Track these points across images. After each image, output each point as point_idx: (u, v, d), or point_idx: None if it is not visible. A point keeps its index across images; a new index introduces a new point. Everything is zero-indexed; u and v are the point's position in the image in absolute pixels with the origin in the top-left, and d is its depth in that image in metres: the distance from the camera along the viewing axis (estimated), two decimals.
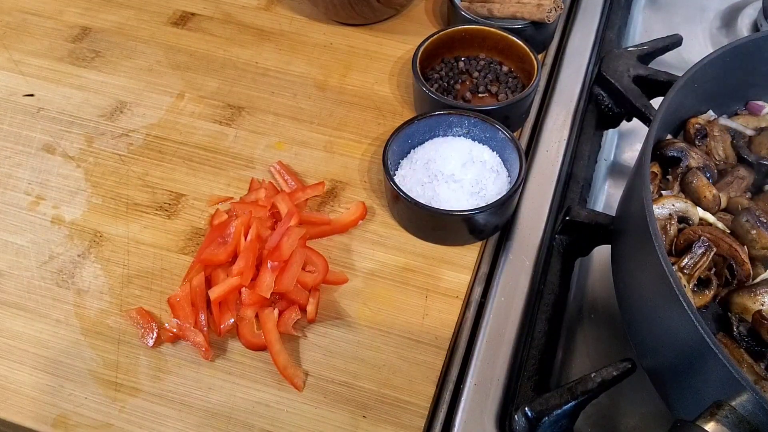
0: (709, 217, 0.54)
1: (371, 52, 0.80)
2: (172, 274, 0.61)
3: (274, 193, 0.65)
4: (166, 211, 0.65)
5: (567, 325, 0.61)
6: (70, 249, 0.62)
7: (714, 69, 0.56)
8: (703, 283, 0.51)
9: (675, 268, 0.50)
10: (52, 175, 0.68)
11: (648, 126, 0.66)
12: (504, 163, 0.64)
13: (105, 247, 0.62)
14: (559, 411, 0.49)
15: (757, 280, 0.51)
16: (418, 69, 0.69)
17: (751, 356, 0.47)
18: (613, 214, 0.59)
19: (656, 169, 0.58)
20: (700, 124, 0.60)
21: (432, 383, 0.55)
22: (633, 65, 0.73)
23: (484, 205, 0.59)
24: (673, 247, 0.53)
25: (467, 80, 0.74)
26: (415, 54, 0.70)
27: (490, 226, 0.63)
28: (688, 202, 0.54)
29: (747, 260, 0.51)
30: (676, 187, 0.57)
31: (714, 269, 0.52)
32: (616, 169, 0.76)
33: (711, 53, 0.56)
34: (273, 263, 0.57)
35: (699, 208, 0.55)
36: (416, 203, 0.59)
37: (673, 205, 0.54)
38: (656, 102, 0.70)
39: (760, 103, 0.62)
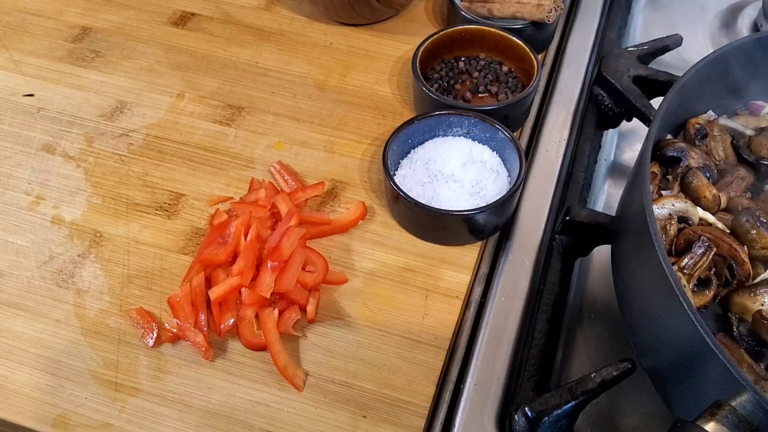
0: (709, 217, 0.54)
1: (371, 52, 0.80)
2: (172, 274, 0.61)
3: (274, 193, 0.65)
4: (166, 211, 0.65)
5: (567, 325, 0.61)
6: (70, 249, 0.62)
7: (714, 69, 0.56)
8: (703, 283, 0.51)
9: (675, 268, 0.50)
10: (52, 175, 0.68)
11: (648, 126, 0.66)
12: (504, 163, 0.64)
13: (105, 247, 0.62)
14: (559, 411, 0.49)
15: (757, 280, 0.51)
16: (418, 69, 0.69)
17: (751, 356, 0.47)
18: (613, 214, 0.59)
19: (656, 169, 0.58)
20: (700, 124, 0.60)
21: (432, 383, 0.55)
22: (633, 65, 0.73)
23: (484, 205, 0.59)
24: (673, 247, 0.53)
25: (467, 80, 0.74)
26: (415, 54, 0.70)
27: (490, 226, 0.63)
28: (688, 202, 0.54)
29: (747, 260, 0.51)
30: (676, 187, 0.57)
31: (714, 269, 0.52)
32: (616, 169, 0.76)
33: (711, 53, 0.56)
34: (273, 263, 0.57)
35: (699, 208, 0.55)
36: (416, 203, 0.59)
37: (673, 205, 0.54)
38: (656, 102, 0.70)
39: (760, 103, 0.62)
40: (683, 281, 0.50)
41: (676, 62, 0.80)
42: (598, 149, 0.74)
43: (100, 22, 0.82)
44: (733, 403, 0.39)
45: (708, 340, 0.39)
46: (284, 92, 0.75)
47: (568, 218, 0.61)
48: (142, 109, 0.73)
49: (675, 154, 0.58)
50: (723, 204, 0.56)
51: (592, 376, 0.49)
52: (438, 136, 0.66)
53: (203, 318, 0.57)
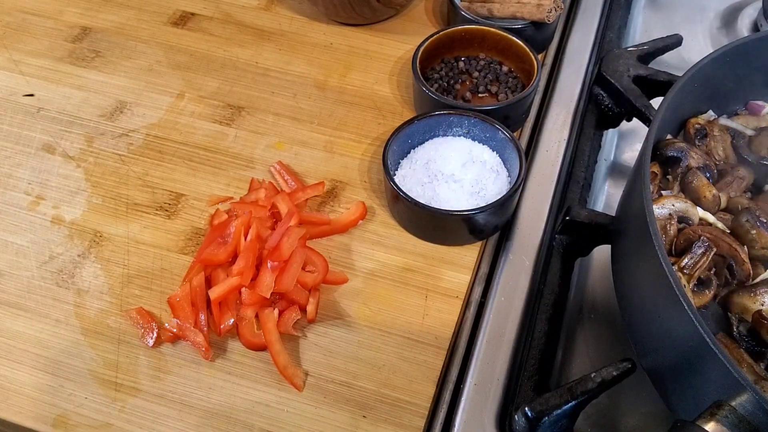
0: (709, 217, 0.54)
1: (371, 52, 0.80)
2: (172, 274, 0.61)
3: (274, 193, 0.65)
4: (166, 211, 0.65)
5: (567, 325, 0.61)
6: (70, 249, 0.62)
7: (714, 69, 0.56)
8: (703, 283, 0.51)
9: (675, 268, 0.50)
10: (52, 175, 0.68)
11: (648, 126, 0.66)
12: (504, 163, 0.64)
13: (105, 247, 0.62)
14: (559, 411, 0.49)
15: (757, 280, 0.51)
16: (418, 69, 0.69)
17: (751, 356, 0.47)
18: (613, 214, 0.59)
19: (656, 169, 0.58)
20: (700, 124, 0.60)
21: (432, 383, 0.55)
22: (633, 65, 0.73)
23: (484, 205, 0.59)
24: (673, 247, 0.53)
25: (467, 80, 0.74)
26: (415, 54, 0.70)
27: (490, 226, 0.63)
28: (688, 202, 0.54)
29: (747, 260, 0.51)
30: (676, 187, 0.57)
31: (714, 269, 0.52)
32: (616, 169, 0.76)
33: (711, 53, 0.56)
34: (273, 263, 0.57)
35: (699, 208, 0.55)
36: (416, 203, 0.59)
37: (673, 205, 0.54)
38: (656, 102, 0.70)
39: (760, 103, 0.62)
40: (683, 281, 0.50)
41: (676, 62, 0.80)
42: (598, 149, 0.74)
43: (100, 22, 0.82)
44: (733, 403, 0.39)
45: (708, 340, 0.39)
46: (284, 92, 0.75)
47: (568, 218, 0.61)
48: (142, 109, 0.73)
49: (675, 154, 0.58)
50: (723, 204, 0.56)
51: (592, 376, 0.49)
52: (438, 136, 0.66)
53: (203, 318, 0.57)
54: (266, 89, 0.76)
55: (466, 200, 0.61)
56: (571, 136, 0.71)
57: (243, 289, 0.57)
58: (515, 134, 0.67)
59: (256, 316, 0.57)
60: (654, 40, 0.76)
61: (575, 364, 0.60)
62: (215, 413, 0.53)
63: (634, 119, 0.72)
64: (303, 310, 0.58)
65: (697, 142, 0.59)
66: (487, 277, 0.62)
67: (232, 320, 0.56)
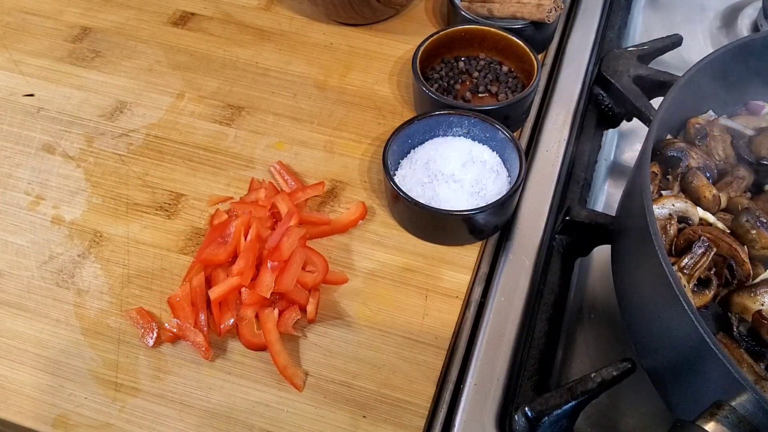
0: (709, 217, 0.54)
1: (371, 52, 0.80)
2: (172, 274, 0.61)
3: (274, 193, 0.65)
4: (166, 211, 0.65)
5: (567, 325, 0.61)
6: (70, 249, 0.62)
7: (714, 69, 0.56)
8: (703, 283, 0.51)
9: (675, 268, 0.50)
10: (52, 175, 0.68)
11: (648, 126, 0.66)
12: (504, 163, 0.64)
13: (105, 247, 0.62)
14: (559, 411, 0.49)
15: (757, 280, 0.51)
16: (418, 69, 0.69)
17: (751, 356, 0.47)
18: (613, 214, 0.59)
19: (656, 169, 0.58)
20: (700, 124, 0.60)
21: (432, 383, 0.55)
22: (633, 65, 0.73)
23: (484, 205, 0.59)
24: (673, 247, 0.53)
25: (467, 80, 0.74)
26: (415, 54, 0.70)
27: (490, 226, 0.63)
28: (688, 202, 0.54)
29: (747, 260, 0.51)
30: (676, 187, 0.57)
31: (714, 269, 0.52)
32: (616, 169, 0.76)
33: (711, 53, 0.56)
34: (273, 263, 0.57)
35: (699, 208, 0.55)
36: (416, 203, 0.59)
37: (673, 205, 0.54)
38: (656, 102, 0.70)
39: (760, 103, 0.62)
40: (683, 281, 0.50)
41: (676, 62, 0.80)
42: (598, 149, 0.74)
43: (100, 22, 0.82)
44: (733, 403, 0.39)
45: (708, 340, 0.39)
46: (284, 92, 0.75)
47: (568, 218, 0.61)
48: (142, 109, 0.73)
49: (675, 154, 0.58)
50: (723, 204, 0.56)
51: (592, 376, 0.49)
52: (438, 136, 0.66)
53: (203, 318, 0.57)
54: (266, 89, 0.76)
55: (466, 200, 0.61)
56: (571, 136, 0.71)
57: (243, 289, 0.57)
58: (515, 134, 0.67)
59: (256, 316, 0.57)
60: (654, 40, 0.76)
61: (575, 364, 0.60)
62: (215, 413, 0.53)
63: (634, 119, 0.72)
64: (303, 310, 0.58)
65: (697, 142, 0.59)
66: (487, 277, 0.62)
67: (232, 320, 0.56)
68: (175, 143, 0.70)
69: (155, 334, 0.56)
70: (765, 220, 0.52)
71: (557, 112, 0.72)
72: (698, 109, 0.62)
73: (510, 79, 0.73)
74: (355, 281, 0.60)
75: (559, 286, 0.60)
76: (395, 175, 0.63)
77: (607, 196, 0.74)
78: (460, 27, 0.73)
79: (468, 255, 0.62)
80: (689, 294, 0.49)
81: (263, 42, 0.80)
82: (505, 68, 0.74)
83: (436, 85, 0.72)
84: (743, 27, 0.87)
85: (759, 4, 0.86)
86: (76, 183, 0.67)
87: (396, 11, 0.82)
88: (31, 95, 0.75)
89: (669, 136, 0.61)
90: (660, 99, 0.54)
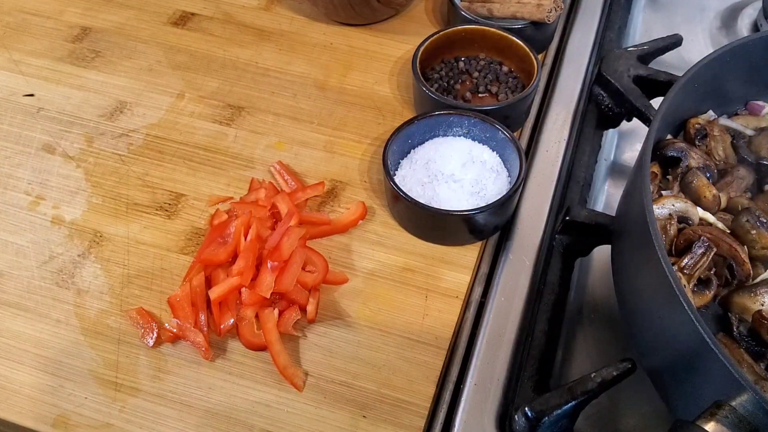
0: (709, 217, 0.54)
1: (371, 52, 0.80)
2: (172, 274, 0.61)
3: (274, 193, 0.65)
4: (166, 211, 0.65)
5: (567, 325, 0.61)
6: (70, 249, 0.62)
7: (714, 69, 0.56)
8: (703, 283, 0.51)
9: (675, 268, 0.50)
10: (52, 175, 0.68)
11: (648, 126, 0.66)
12: (504, 163, 0.64)
13: (105, 247, 0.62)
14: (559, 411, 0.49)
15: (757, 280, 0.51)
16: (418, 69, 0.69)
17: (751, 356, 0.47)
18: (613, 214, 0.59)
19: (656, 169, 0.58)
20: (700, 124, 0.60)
21: (432, 383, 0.55)
22: (633, 65, 0.73)
23: (484, 205, 0.59)
24: (673, 247, 0.53)
25: (467, 80, 0.74)
26: (415, 54, 0.70)
27: (490, 226, 0.63)
28: (688, 202, 0.54)
29: (747, 260, 0.51)
30: (676, 187, 0.57)
31: (714, 269, 0.52)
32: (616, 169, 0.76)
33: (711, 53, 0.56)
34: (273, 263, 0.57)
35: (699, 208, 0.55)
36: (416, 203, 0.59)
37: (673, 205, 0.54)
38: (656, 102, 0.70)
39: (760, 103, 0.62)
40: (683, 281, 0.50)
41: (676, 62, 0.80)
42: (598, 149, 0.74)
43: (100, 22, 0.82)
44: (733, 403, 0.39)
45: (708, 340, 0.39)
46: (284, 92, 0.75)
47: (568, 218, 0.61)
48: (142, 109, 0.73)
49: (675, 154, 0.58)
50: (723, 204, 0.56)
51: (592, 376, 0.49)
52: (438, 136, 0.66)
53: (203, 318, 0.57)
54: (266, 89, 0.76)
55: (466, 200, 0.61)
56: (571, 136, 0.71)
57: (243, 289, 0.57)
58: (515, 134, 0.67)
59: (256, 316, 0.57)
60: (654, 40, 0.76)
61: (575, 364, 0.60)
62: (215, 413, 0.53)
63: (634, 119, 0.72)
64: (303, 310, 0.58)
65: (697, 142, 0.59)
66: (487, 277, 0.62)
67: (232, 320, 0.56)
68: (175, 143, 0.70)
69: (155, 334, 0.56)
70: (765, 220, 0.52)
71: (557, 112, 0.72)
72: (698, 109, 0.62)
73: (510, 79, 0.73)
74: (355, 281, 0.60)
75: (559, 286, 0.60)
76: (395, 175, 0.63)
77: (607, 196, 0.74)
78: (460, 27, 0.73)
79: (468, 255, 0.62)
80: (689, 294, 0.49)
81: (263, 42, 0.80)
82: (505, 68, 0.74)
83: (436, 85, 0.72)
84: (743, 27, 0.87)
85: (759, 4, 0.86)
86: (76, 183, 0.67)
87: (396, 11, 0.82)
88: (31, 95, 0.75)
89: (669, 136, 0.61)
90: (660, 99, 0.54)
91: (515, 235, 0.63)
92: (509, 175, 0.64)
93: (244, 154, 0.70)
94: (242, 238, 0.59)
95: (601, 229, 0.60)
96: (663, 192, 0.56)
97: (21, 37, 0.81)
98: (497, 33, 0.73)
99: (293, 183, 0.66)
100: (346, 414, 0.53)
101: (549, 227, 0.64)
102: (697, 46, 0.85)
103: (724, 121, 0.61)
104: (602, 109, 0.74)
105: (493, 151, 0.65)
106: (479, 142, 0.65)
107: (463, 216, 0.59)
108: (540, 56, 0.77)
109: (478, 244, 0.63)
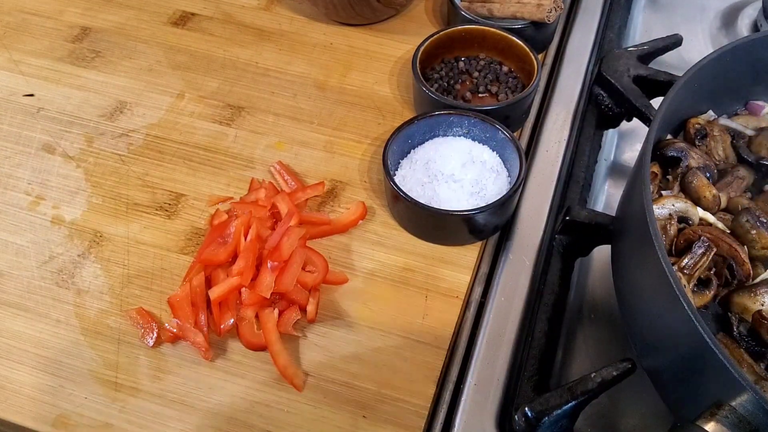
0: (709, 217, 0.54)
1: (371, 52, 0.80)
2: (172, 274, 0.61)
3: (274, 193, 0.65)
4: (166, 211, 0.65)
5: (567, 325, 0.61)
6: (70, 249, 0.62)
7: (714, 69, 0.56)
8: (703, 283, 0.51)
9: (675, 268, 0.50)
10: (52, 175, 0.68)
11: (648, 126, 0.66)
12: (504, 163, 0.64)
13: (105, 247, 0.62)
14: (559, 411, 0.49)
15: (757, 280, 0.51)
16: (418, 69, 0.69)
17: (751, 356, 0.47)
18: (613, 214, 0.59)
19: (656, 169, 0.58)
20: (700, 124, 0.60)
21: (432, 383, 0.55)
22: (633, 65, 0.73)
23: (484, 205, 0.59)
24: (673, 247, 0.53)
25: (467, 80, 0.74)
26: (415, 54, 0.70)
27: (490, 226, 0.63)
28: (688, 202, 0.54)
29: (747, 260, 0.51)
30: (676, 187, 0.57)
31: (714, 269, 0.52)
32: (616, 169, 0.76)
33: (711, 53, 0.56)
34: (273, 263, 0.57)
35: (699, 208, 0.55)
36: (416, 203, 0.59)
37: (673, 205, 0.54)
38: (656, 102, 0.70)
39: (760, 103, 0.62)
40: (683, 281, 0.50)
41: (676, 62, 0.80)
42: (598, 149, 0.74)
43: (100, 22, 0.82)
44: (733, 403, 0.39)
45: (708, 340, 0.39)
46: (284, 92, 0.75)
47: (568, 218, 0.61)
48: (142, 109, 0.73)
49: (675, 154, 0.58)
50: (723, 204, 0.56)
51: (592, 376, 0.49)
52: (438, 136, 0.66)
53: (203, 318, 0.57)
54: (266, 89, 0.76)
55: (466, 200, 0.61)
56: (571, 136, 0.71)
57: (243, 289, 0.57)
58: (515, 134, 0.67)
59: (256, 316, 0.57)
60: (654, 40, 0.76)
61: (575, 364, 0.60)
62: (215, 413, 0.53)
63: (634, 119, 0.72)
64: (303, 310, 0.58)
65: (697, 142, 0.59)
66: (487, 277, 0.62)
67: (232, 320, 0.56)
68: (175, 143, 0.70)
69: (155, 334, 0.56)
70: (765, 220, 0.52)
71: (557, 112, 0.72)
72: (698, 109, 0.62)
73: (510, 79, 0.73)
74: (355, 281, 0.60)
75: (559, 286, 0.60)
76: (395, 175, 0.63)
77: (607, 196, 0.74)
78: (460, 27, 0.73)
79: (468, 255, 0.62)
80: (689, 294, 0.49)
81: (263, 42, 0.80)
82: (505, 68, 0.74)
83: (436, 85, 0.72)
84: (743, 27, 0.87)
85: (759, 4, 0.86)
86: (76, 183, 0.67)
87: (396, 11, 0.82)
88: (31, 95, 0.75)
89: (669, 136, 0.61)
90: (660, 99, 0.54)
91: (515, 235, 0.63)
92: (509, 175, 0.64)
93: (244, 154, 0.70)
94: (242, 238, 0.59)
95: (601, 229, 0.60)
96: (663, 192, 0.56)
97: (21, 37, 0.81)
98: (497, 33, 0.73)
99: (293, 183, 0.66)
100: (346, 414, 0.53)
101: (549, 227, 0.64)
102: (697, 46, 0.85)
103: (724, 121, 0.61)
104: (602, 109, 0.74)
105: (493, 151, 0.65)
106: (479, 142, 0.65)
107: (463, 216, 0.59)
108: (540, 56, 0.77)
109: (478, 244, 0.63)
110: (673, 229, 0.53)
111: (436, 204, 0.60)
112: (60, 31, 0.81)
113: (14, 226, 0.64)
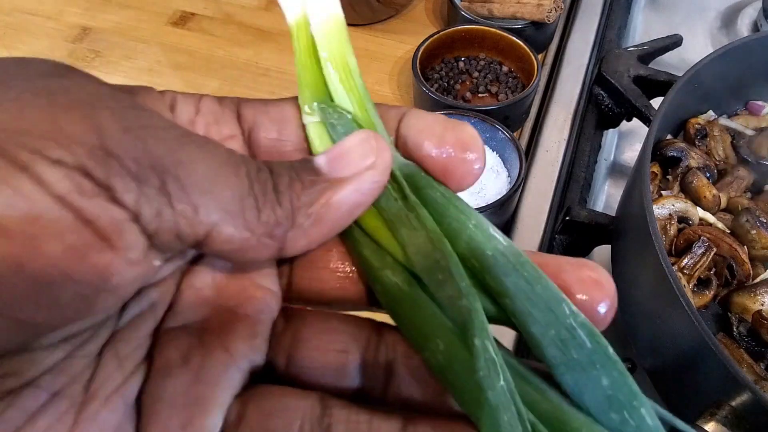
0: (709, 217, 0.54)
1: (371, 52, 0.79)
2: None
3: None
4: None
5: None
6: None
7: (714, 69, 0.56)
8: (703, 283, 0.51)
9: (675, 268, 0.50)
10: None
11: (648, 126, 0.66)
12: (504, 163, 0.64)
13: None
14: None
15: (757, 280, 0.51)
16: (418, 69, 0.69)
17: (751, 356, 0.47)
18: (613, 214, 0.59)
19: (656, 169, 0.58)
20: (700, 124, 0.60)
21: None
22: (633, 65, 0.73)
23: (484, 205, 0.59)
24: (673, 247, 0.53)
25: (467, 80, 0.74)
26: (415, 54, 0.70)
27: None
28: (688, 202, 0.54)
29: (747, 260, 0.51)
30: (676, 187, 0.57)
31: (714, 269, 0.52)
32: (616, 169, 0.76)
33: (711, 53, 0.56)
34: None
35: (699, 208, 0.55)
36: None
37: (673, 205, 0.54)
38: (656, 102, 0.70)
39: (760, 103, 0.62)
40: (683, 281, 0.50)
41: (676, 62, 0.80)
42: (598, 149, 0.74)
43: (100, 22, 0.82)
44: (733, 403, 0.39)
45: (708, 340, 0.39)
46: (284, 92, 0.75)
47: (568, 218, 0.61)
48: None
49: (675, 154, 0.58)
50: (723, 204, 0.56)
51: None
52: None
53: None
54: (266, 89, 0.75)
55: (465, 200, 0.60)
56: (571, 136, 0.71)
57: None
58: (515, 134, 0.67)
59: None
60: (654, 40, 0.76)
61: None
62: None
63: (634, 119, 0.72)
64: None
65: (697, 142, 0.59)
66: None
67: None
68: None
69: None
70: (765, 220, 0.52)
71: (557, 112, 0.72)
72: (698, 109, 0.62)
73: (510, 79, 0.73)
74: None
75: None
76: None
77: (607, 196, 0.74)
78: (460, 27, 0.73)
79: None
80: (689, 294, 0.49)
81: (263, 42, 0.80)
82: (505, 68, 0.74)
83: (436, 85, 0.72)
84: (743, 27, 0.87)
85: (759, 4, 0.86)
86: None
87: (396, 11, 0.82)
88: None
89: (669, 136, 0.61)
90: (660, 99, 0.54)
91: (515, 235, 0.63)
92: (509, 175, 0.64)
93: None
94: None
95: (601, 229, 0.60)
96: (663, 192, 0.56)
97: (21, 37, 0.81)
98: (497, 33, 0.73)
99: None
100: None
101: (549, 227, 0.64)
102: (697, 46, 0.85)
103: (724, 121, 0.62)
104: (602, 109, 0.74)
105: (493, 151, 0.65)
106: None
107: None
108: (540, 56, 0.77)
109: None
110: (673, 229, 0.53)
111: None
112: (60, 31, 0.81)
113: None
